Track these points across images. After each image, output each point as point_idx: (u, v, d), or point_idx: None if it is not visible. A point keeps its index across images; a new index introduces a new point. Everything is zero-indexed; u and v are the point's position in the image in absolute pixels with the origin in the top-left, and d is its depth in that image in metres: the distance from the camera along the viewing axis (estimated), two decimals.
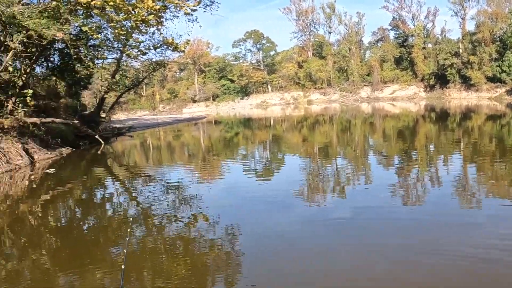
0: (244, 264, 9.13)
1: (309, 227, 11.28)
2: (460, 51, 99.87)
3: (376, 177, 17.46)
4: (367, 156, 24.21)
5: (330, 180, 17.64)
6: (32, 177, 22.31)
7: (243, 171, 21.54)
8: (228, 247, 10.27)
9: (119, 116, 60.31)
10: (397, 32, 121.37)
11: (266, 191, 16.10)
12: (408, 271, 8.23)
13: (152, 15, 31.45)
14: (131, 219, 12.38)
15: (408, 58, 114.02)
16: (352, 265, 8.71)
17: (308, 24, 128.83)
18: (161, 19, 34.16)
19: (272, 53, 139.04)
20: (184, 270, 8.96)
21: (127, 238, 8.41)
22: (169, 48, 40.09)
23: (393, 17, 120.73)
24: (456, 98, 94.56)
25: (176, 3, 33.48)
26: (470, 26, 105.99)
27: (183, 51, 45.56)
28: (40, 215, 15.08)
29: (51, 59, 36.25)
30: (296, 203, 13.91)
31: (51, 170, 23.45)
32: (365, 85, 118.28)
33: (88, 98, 57.48)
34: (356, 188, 15.74)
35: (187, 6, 34.52)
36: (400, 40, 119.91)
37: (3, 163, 23.48)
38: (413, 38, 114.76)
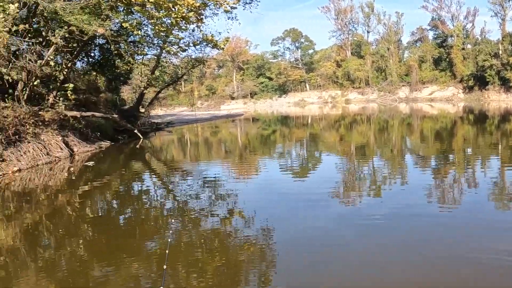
0: (277, 260, 9.05)
1: (344, 226, 11.18)
2: (500, 52, 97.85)
3: (412, 178, 17.18)
4: (404, 157, 23.90)
5: (366, 179, 17.42)
6: (72, 169, 22.56)
7: (280, 168, 21.43)
8: (263, 243, 10.22)
9: (158, 111, 60.61)
10: (436, 32, 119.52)
11: (302, 189, 15.99)
12: (450, 272, 8.08)
13: (192, 12, 31.56)
14: (172, 220, 12.37)
15: (447, 59, 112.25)
16: (386, 263, 8.58)
17: (346, 23, 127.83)
18: (201, 16, 34.28)
19: (310, 51, 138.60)
20: (218, 265, 8.92)
21: (169, 240, 8.47)
22: (209, 45, 40.20)
23: (432, 17, 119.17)
24: (495, 100, 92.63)
25: (216, 1, 33.53)
26: (510, 27, 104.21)
27: (223, 48, 45.56)
28: (78, 206, 15.18)
29: (92, 54, 36.70)
30: (331, 201, 13.73)
31: (90, 163, 23.68)
32: (403, 85, 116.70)
33: (127, 93, 57.80)
34: (392, 188, 15.51)
35: (227, 4, 34.54)
36: (439, 41, 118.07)
37: (43, 155, 23.73)
38: (452, 38, 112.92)
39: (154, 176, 22.12)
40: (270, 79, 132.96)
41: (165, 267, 6.70)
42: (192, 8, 30.83)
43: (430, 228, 10.57)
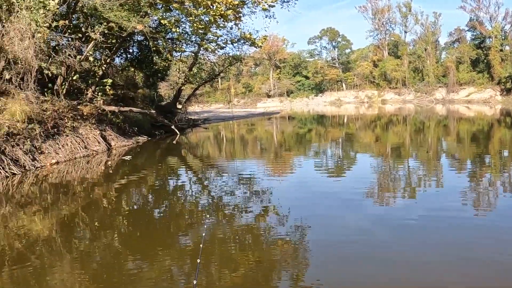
0: (310, 258, 8.92)
1: (378, 226, 10.92)
2: None
3: (447, 180, 16.79)
4: (439, 159, 23.46)
5: (401, 181, 17.11)
6: (109, 163, 22.72)
7: (315, 167, 21.23)
8: (297, 241, 10.09)
9: (195, 108, 60.74)
10: (474, 33, 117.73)
11: (337, 188, 15.77)
12: (485, 276, 7.85)
13: (231, 10, 31.54)
14: (206, 215, 12.18)
15: (485, 61, 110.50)
16: (419, 263, 8.33)
17: (384, 23, 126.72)
18: (239, 15, 34.22)
19: (347, 51, 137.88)
20: (252, 261, 8.83)
21: (203, 234, 8.41)
22: (247, 43, 40.19)
23: (470, 18, 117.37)
24: None
25: None
26: None
27: (260, 46, 45.57)
28: (114, 199, 15.26)
29: (130, 50, 36.97)
30: (366, 201, 13.46)
31: (128, 157, 23.83)
32: (440, 87, 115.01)
33: (164, 89, 58.10)
34: (427, 190, 15.18)
35: (265, 2, 34.46)
36: (477, 42, 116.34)
37: (81, 148, 23.95)
38: (491, 40, 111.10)
39: (189, 171, 22.11)
40: (307, 78, 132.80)
41: (198, 261, 6.61)
42: (230, 6, 30.83)
43: (464, 231, 10.28)
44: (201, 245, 7.55)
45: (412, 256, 8.83)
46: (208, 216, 12.06)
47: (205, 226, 9.84)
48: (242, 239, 10.42)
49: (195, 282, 6.12)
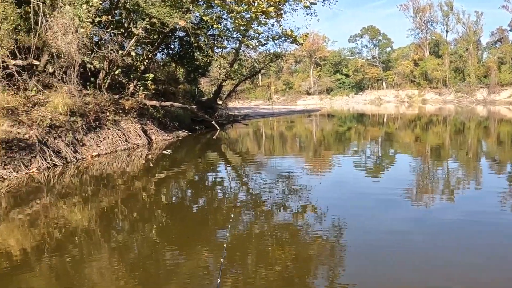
0: (347, 258, 8.71)
1: (416, 227, 10.56)
2: None
3: (487, 182, 16.31)
4: (479, 161, 22.91)
5: (439, 182, 16.71)
6: (149, 156, 22.76)
7: (353, 166, 20.92)
8: (333, 240, 9.83)
9: (235, 104, 60.81)
10: None
11: (374, 188, 15.44)
12: None
13: (272, 7, 31.36)
14: (243, 211, 12.14)
15: None
16: (457, 266, 8.08)
17: (425, 21, 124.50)
18: (281, 11, 34.04)
19: (388, 49, 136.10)
20: (287, 259, 8.64)
21: (227, 234, 8.32)
22: (288, 40, 39.97)
23: None
24: None
25: None
26: None
27: (302, 44, 45.35)
28: (153, 192, 15.25)
29: (172, 46, 37.15)
30: (403, 202, 13.09)
31: (168, 151, 23.85)
32: (481, 87, 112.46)
33: (204, 85, 58.22)
34: (466, 192, 14.76)
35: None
36: None
37: (122, 141, 24.11)
38: None
39: (228, 167, 22.01)
40: (347, 76, 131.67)
41: (222, 260, 6.51)
42: (272, 2, 30.64)
43: (504, 235, 9.96)
44: (224, 245, 7.62)
45: (451, 259, 8.51)
46: (245, 211, 12.04)
47: (240, 223, 9.79)
48: (278, 236, 10.25)
49: (218, 281, 6.13)
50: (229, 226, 9.71)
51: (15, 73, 20.38)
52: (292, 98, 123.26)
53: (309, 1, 34.42)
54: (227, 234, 8.79)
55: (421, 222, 11.09)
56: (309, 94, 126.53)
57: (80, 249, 9.19)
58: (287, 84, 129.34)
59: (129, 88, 28.06)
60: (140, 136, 25.89)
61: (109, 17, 24.67)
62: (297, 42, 40.46)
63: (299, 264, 8.45)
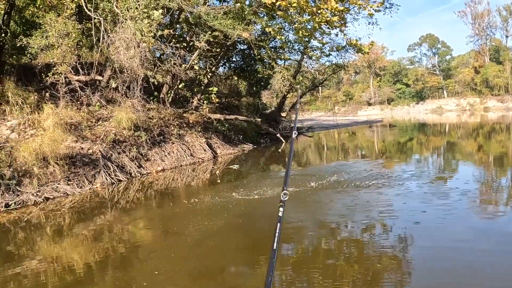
0: (413, 269, 7.90)
1: (483, 239, 9.45)
2: None
3: None
4: None
5: (505, 192, 15.20)
6: (217, 172, 21.84)
7: (415, 176, 19.38)
8: (398, 252, 8.82)
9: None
10: None
11: (439, 200, 14.03)
12: None
13: (336, 17, 30.16)
14: (306, 224, 11.16)
15: None
16: None
17: (484, 27, 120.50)
18: (344, 21, 32.86)
19: (447, 57, 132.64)
20: (351, 274, 7.79)
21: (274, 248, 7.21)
22: (352, 49, 38.82)
23: None
24: None
25: (360, 4, 31.79)
26: None
27: (367, 53, 43.87)
28: (218, 207, 14.08)
29: (233, 59, 36.79)
30: (469, 213, 11.79)
31: (235, 166, 22.83)
32: None
33: (266, 98, 57.61)
34: None
35: (370, 7, 32.75)
36: None
37: (187, 156, 23.52)
38: None
39: (292, 180, 20.78)
40: (407, 85, 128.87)
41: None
42: (335, 12, 29.41)
43: None
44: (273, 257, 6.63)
45: None
46: (308, 224, 11.38)
47: (305, 234, 9.63)
48: (341, 248, 9.43)
49: None
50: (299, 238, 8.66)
51: (78, 88, 20.15)
52: (353, 109, 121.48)
53: (373, 9, 32.93)
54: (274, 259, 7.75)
55: (487, 233, 9.94)
56: (369, 104, 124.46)
57: (144, 264, 8.83)
58: (347, 95, 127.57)
59: (193, 102, 27.57)
60: (205, 150, 25.17)
61: (171, 31, 24.08)
62: (363, 51, 39.05)
63: (363, 280, 7.63)
